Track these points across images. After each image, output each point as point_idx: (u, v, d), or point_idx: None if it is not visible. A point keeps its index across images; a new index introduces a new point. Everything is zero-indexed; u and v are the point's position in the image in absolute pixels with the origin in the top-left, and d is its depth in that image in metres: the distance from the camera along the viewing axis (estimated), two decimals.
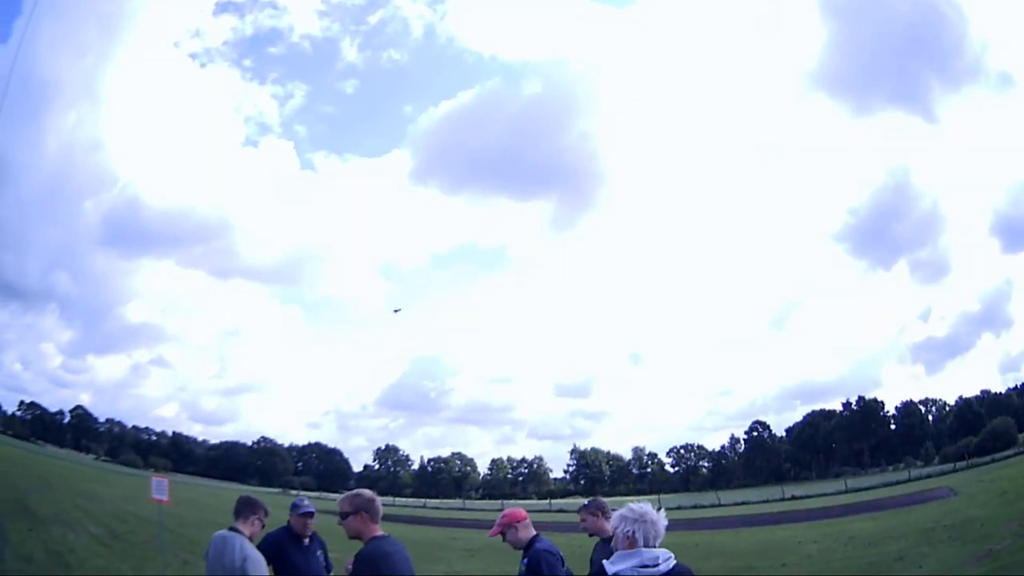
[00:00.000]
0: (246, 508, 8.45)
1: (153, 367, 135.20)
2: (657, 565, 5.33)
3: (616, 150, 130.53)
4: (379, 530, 6.56)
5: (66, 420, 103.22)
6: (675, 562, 5.37)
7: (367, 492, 6.73)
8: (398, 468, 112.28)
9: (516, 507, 8.61)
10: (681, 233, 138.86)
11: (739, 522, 46.90)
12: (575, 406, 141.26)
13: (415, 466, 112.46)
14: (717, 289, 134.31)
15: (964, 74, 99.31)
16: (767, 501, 64.47)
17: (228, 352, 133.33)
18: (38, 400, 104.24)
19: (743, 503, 66.06)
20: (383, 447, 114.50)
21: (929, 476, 66.01)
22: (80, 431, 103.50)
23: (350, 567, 6.52)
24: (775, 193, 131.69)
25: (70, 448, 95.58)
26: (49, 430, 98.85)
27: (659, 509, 5.62)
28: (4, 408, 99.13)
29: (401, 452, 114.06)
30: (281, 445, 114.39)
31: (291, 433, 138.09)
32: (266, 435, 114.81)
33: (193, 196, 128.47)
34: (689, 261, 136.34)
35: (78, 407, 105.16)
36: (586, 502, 9.35)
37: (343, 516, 6.52)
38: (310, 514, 9.48)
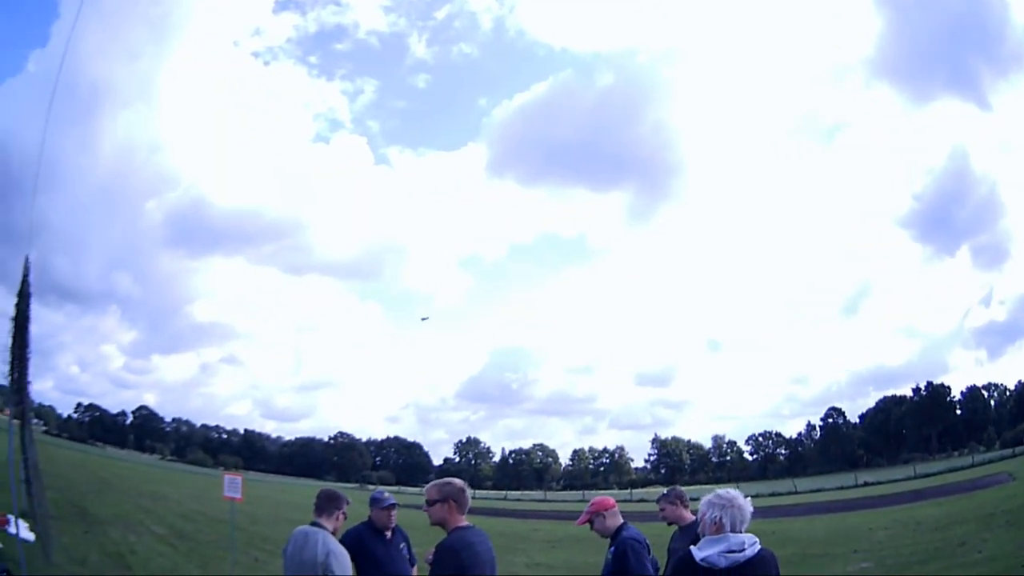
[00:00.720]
0: (328, 502, 7.87)
1: (224, 365, 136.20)
2: (743, 550, 5.39)
3: (690, 139, 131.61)
4: (464, 520, 6.21)
5: (128, 421, 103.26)
6: (760, 547, 5.44)
7: (458, 481, 6.31)
8: (479, 460, 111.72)
9: (604, 496, 8.45)
10: (754, 220, 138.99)
11: (814, 509, 47.24)
12: (656, 395, 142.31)
13: (496, 458, 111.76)
14: (790, 276, 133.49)
15: (1011, 60, 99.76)
16: (841, 488, 64.08)
17: (303, 348, 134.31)
18: (98, 402, 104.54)
19: (818, 490, 66.00)
20: (464, 440, 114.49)
21: (990, 461, 65.92)
22: (144, 431, 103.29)
23: (430, 559, 6.14)
24: (843, 180, 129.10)
25: (132, 449, 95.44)
26: (110, 431, 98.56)
27: (746, 498, 5.65)
28: (60, 411, 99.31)
29: (482, 444, 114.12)
30: (359, 440, 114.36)
31: (369, 428, 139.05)
32: (343, 430, 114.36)
33: (263, 194, 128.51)
34: (762, 248, 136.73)
35: (142, 407, 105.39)
36: (665, 491, 9.30)
37: (430, 503, 6.21)
38: (392, 506, 9.07)
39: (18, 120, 78.57)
